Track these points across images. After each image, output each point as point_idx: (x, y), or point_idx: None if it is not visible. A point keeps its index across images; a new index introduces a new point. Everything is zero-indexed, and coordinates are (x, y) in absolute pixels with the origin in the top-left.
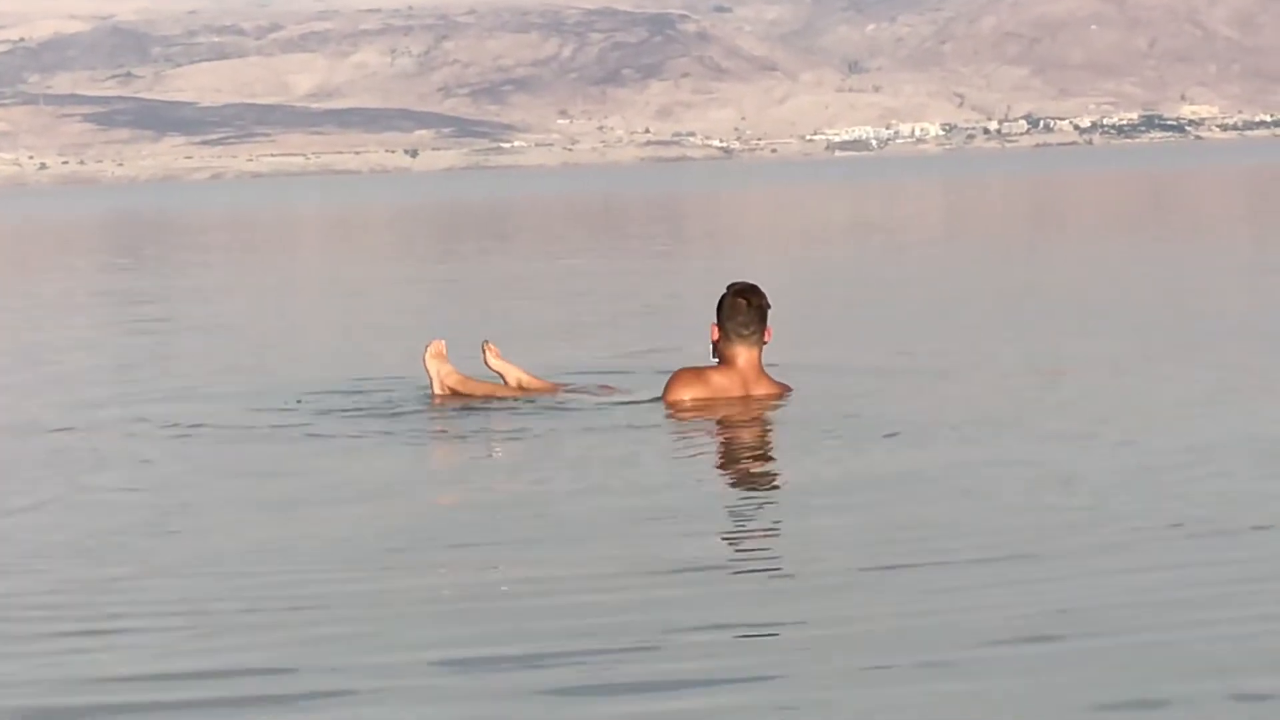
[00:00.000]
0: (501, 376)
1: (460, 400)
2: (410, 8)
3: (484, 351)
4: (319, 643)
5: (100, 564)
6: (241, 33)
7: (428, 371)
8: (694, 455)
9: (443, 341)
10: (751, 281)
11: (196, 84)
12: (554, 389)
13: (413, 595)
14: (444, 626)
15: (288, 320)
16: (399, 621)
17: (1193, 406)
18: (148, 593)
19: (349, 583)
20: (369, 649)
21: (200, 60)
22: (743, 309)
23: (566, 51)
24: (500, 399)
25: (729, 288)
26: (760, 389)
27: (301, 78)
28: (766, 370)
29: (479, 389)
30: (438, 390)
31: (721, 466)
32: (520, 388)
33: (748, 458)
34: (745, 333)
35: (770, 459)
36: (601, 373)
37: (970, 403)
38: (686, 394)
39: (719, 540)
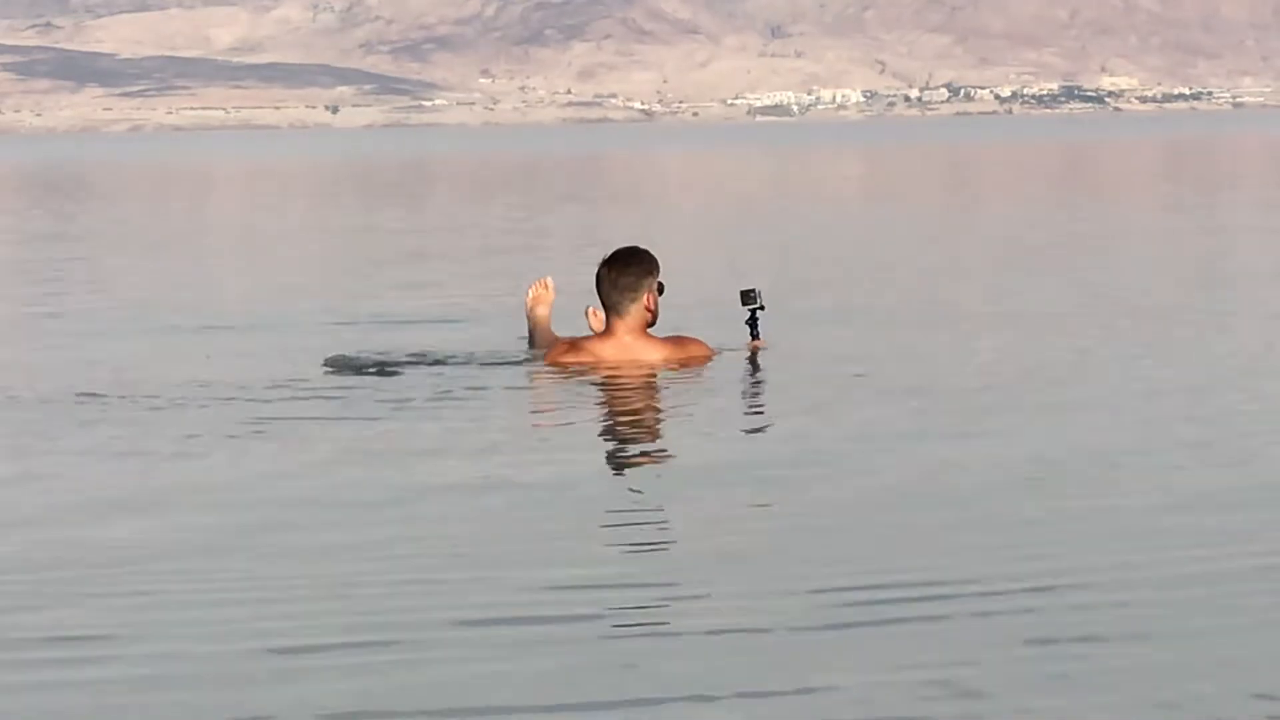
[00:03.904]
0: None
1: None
2: None
3: (588, 318)
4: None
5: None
6: None
7: (526, 294)
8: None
9: (552, 284)
10: (629, 247)
11: (117, 35)
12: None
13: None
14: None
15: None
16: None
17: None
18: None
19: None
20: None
21: (121, 12)
22: (604, 278)
23: (490, 10)
24: (532, 349)
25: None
26: (651, 356)
27: (223, 31)
28: (686, 333)
29: (536, 331)
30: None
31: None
32: (540, 344)
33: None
34: (609, 303)
35: (657, 433)
36: None
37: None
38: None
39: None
